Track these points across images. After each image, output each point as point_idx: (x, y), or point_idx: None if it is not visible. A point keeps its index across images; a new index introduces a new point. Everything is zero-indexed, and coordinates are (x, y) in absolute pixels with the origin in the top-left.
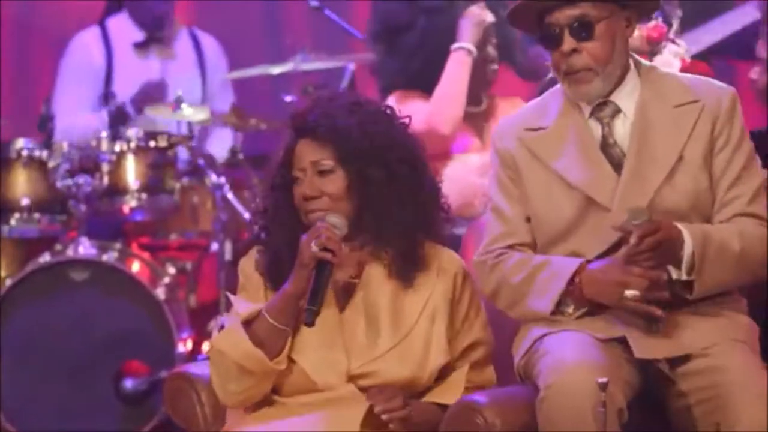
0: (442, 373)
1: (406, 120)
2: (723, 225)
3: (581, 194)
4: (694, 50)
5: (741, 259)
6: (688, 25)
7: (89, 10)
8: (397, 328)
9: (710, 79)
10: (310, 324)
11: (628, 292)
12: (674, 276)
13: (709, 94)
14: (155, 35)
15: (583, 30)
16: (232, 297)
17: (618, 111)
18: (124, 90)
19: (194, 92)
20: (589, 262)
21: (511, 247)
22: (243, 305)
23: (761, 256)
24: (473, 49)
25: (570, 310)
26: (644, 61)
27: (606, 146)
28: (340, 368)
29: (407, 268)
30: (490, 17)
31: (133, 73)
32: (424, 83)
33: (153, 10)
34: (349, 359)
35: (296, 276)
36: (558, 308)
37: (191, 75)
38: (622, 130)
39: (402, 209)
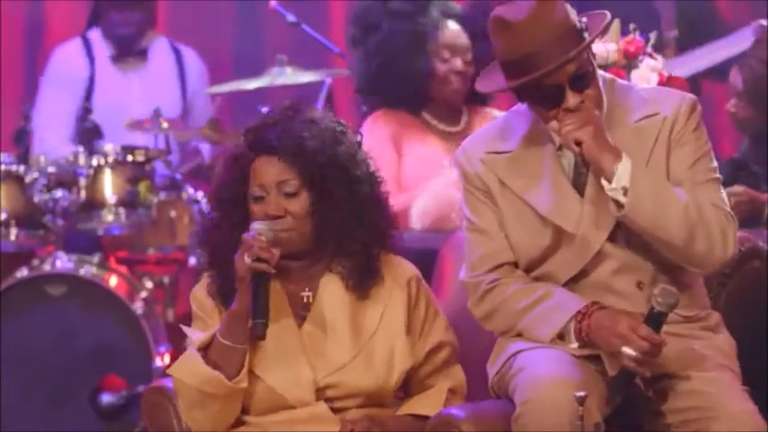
0: (410, 378)
1: (359, 136)
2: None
3: (553, 223)
4: (687, 73)
5: (686, 212)
6: (686, 46)
7: (65, 24)
8: (358, 337)
9: (667, 89)
10: (261, 337)
11: (626, 350)
12: (606, 186)
13: (667, 103)
14: (125, 51)
15: (583, 83)
16: (185, 329)
17: None
18: (103, 101)
19: (174, 105)
20: (595, 303)
21: (500, 266)
22: (196, 334)
23: (711, 226)
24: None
25: (574, 345)
26: (604, 74)
27: (578, 175)
28: (306, 382)
29: (364, 282)
30: (464, 40)
31: (113, 85)
32: (383, 89)
33: (116, 32)
34: (314, 372)
35: (238, 293)
36: (560, 340)
37: (171, 88)
38: None
39: (361, 226)
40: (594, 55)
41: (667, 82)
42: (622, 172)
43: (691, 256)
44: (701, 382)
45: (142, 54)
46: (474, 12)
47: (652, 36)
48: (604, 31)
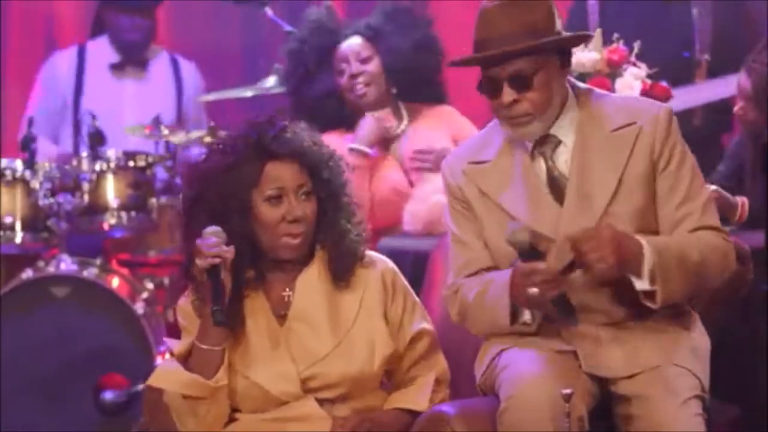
0: (395, 370)
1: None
2: (681, 235)
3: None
4: (717, 96)
5: (701, 268)
6: (718, 71)
7: (62, 33)
8: (337, 327)
9: (644, 98)
10: (221, 323)
11: (531, 291)
12: (637, 286)
13: (644, 114)
14: (130, 59)
15: (521, 83)
16: (168, 341)
17: (559, 143)
18: (94, 108)
19: (168, 115)
20: (514, 270)
21: (475, 273)
22: (175, 343)
23: (719, 265)
24: (369, 151)
25: (527, 318)
26: (580, 85)
27: (552, 179)
28: (290, 375)
29: (346, 269)
30: (354, 45)
31: (104, 93)
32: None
33: (126, 38)
34: (296, 365)
35: (205, 297)
36: (517, 319)
37: (166, 98)
38: (563, 159)
39: (348, 232)
40: (565, 64)
41: (650, 89)
42: (647, 268)
43: (706, 288)
44: (651, 389)
45: (143, 64)
46: (370, 21)
47: (636, 45)
48: (574, 42)
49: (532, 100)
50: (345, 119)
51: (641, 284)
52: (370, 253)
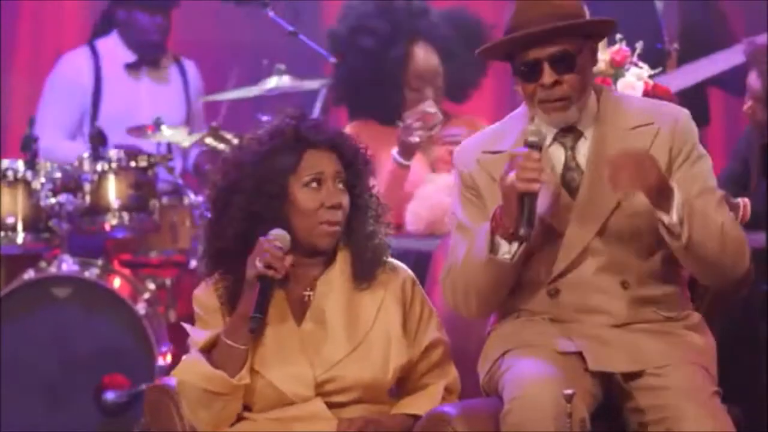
0: (407, 377)
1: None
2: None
3: (540, 220)
4: (688, 83)
5: (722, 233)
6: (687, 59)
7: (67, 34)
8: (354, 332)
9: (663, 102)
10: (254, 330)
11: (510, 174)
12: (666, 220)
13: (663, 116)
14: (147, 58)
15: (565, 63)
16: (188, 327)
17: (581, 135)
18: (112, 109)
19: (179, 117)
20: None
21: None
22: (200, 334)
23: (737, 247)
24: (406, 163)
25: (506, 249)
26: (595, 84)
27: (568, 170)
28: (305, 378)
29: (370, 271)
30: (433, 62)
31: (123, 93)
32: (354, 107)
33: (146, 39)
34: (313, 369)
35: (245, 295)
36: (495, 254)
37: (178, 100)
38: (584, 153)
39: (377, 230)
40: (594, 54)
41: (652, 90)
42: (676, 204)
43: (721, 272)
44: (673, 380)
45: (157, 64)
46: (444, 28)
47: (639, 46)
48: (604, 31)
49: (572, 83)
50: (390, 113)
51: (670, 218)
52: (392, 261)
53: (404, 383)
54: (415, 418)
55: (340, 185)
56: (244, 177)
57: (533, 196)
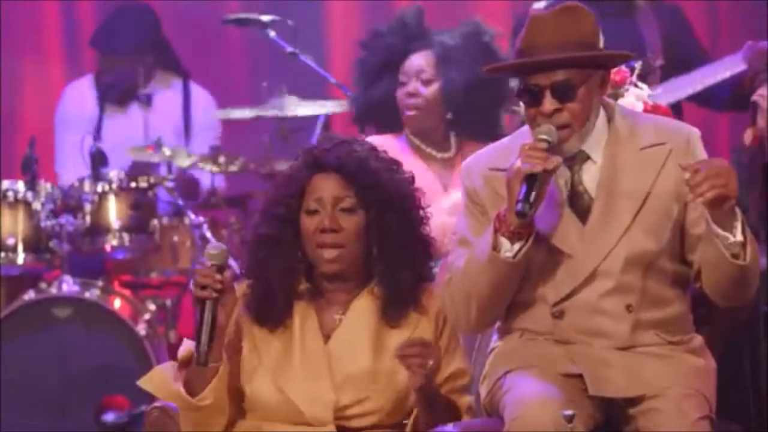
0: None
1: (411, 175)
2: None
3: (546, 241)
4: (672, 99)
5: (754, 263)
6: (670, 74)
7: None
8: (381, 358)
9: (673, 121)
10: (202, 364)
11: (517, 163)
12: (730, 239)
13: (674, 136)
14: (125, 98)
15: (566, 93)
16: (186, 342)
17: (587, 158)
18: (110, 137)
19: (177, 138)
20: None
21: None
22: (183, 347)
23: (756, 274)
24: None
25: (508, 247)
26: (609, 101)
27: (575, 193)
28: (327, 401)
29: (398, 311)
30: (420, 61)
31: (117, 121)
32: (368, 114)
33: (111, 83)
34: (336, 392)
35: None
36: (498, 253)
37: (174, 127)
38: (590, 175)
39: (410, 256)
40: (605, 82)
41: (652, 110)
42: (741, 223)
43: (744, 294)
44: (667, 404)
45: (147, 98)
46: (446, 35)
47: (637, 65)
48: (617, 61)
49: (573, 111)
50: (399, 124)
51: (734, 237)
52: (431, 289)
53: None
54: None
55: (344, 209)
56: (268, 199)
57: (537, 179)
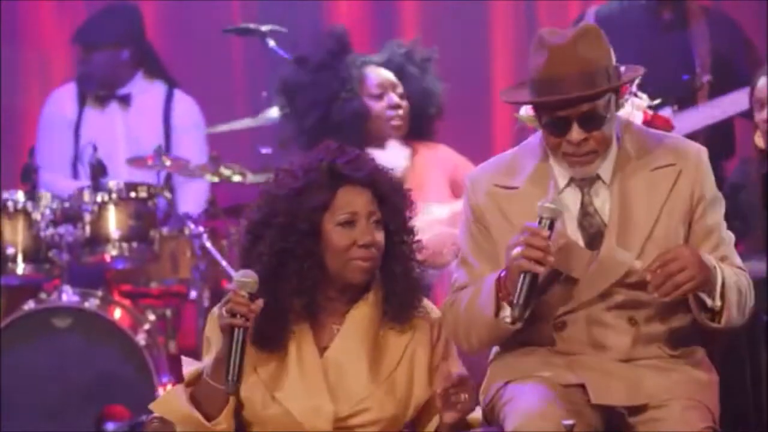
0: (425, 408)
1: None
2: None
3: (554, 266)
4: (718, 117)
5: (745, 299)
6: (718, 92)
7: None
8: (379, 369)
9: (681, 140)
10: (231, 393)
11: (516, 249)
12: (709, 303)
13: (684, 156)
14: (108, 91)
15: (593, 122)
16: (184, 359)
17: (598, 178)
18: (87, 136)
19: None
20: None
21: None
22: (190, 367)
23: (750, 297)
24: None
25: (507, 313)
26: (620, 117)
27: (585, 215)
28: (326, 412)
29: (405, 306)
30: (390, 75)
31: (96, 124)
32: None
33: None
34: (334, 403)
35: (223, 340)
36: (500, 317)
37: (153, 128)
38: (601, 197)
39: (412, 267)
40: (617, 102)
41: (651, 121)
42: (719, 286)
43: (733, 326)
44: (670, 415)
45: (125, 99)
46: (391, 54)
47: (703, 80)
48: (630, 83)
49: (599, 138)
50: (368, 141)
51: (713, 302)
52: (426, 301)
53: (421, 415)
54: None
55: (375, 223)
56: (276, 212)
57: (534, 276)
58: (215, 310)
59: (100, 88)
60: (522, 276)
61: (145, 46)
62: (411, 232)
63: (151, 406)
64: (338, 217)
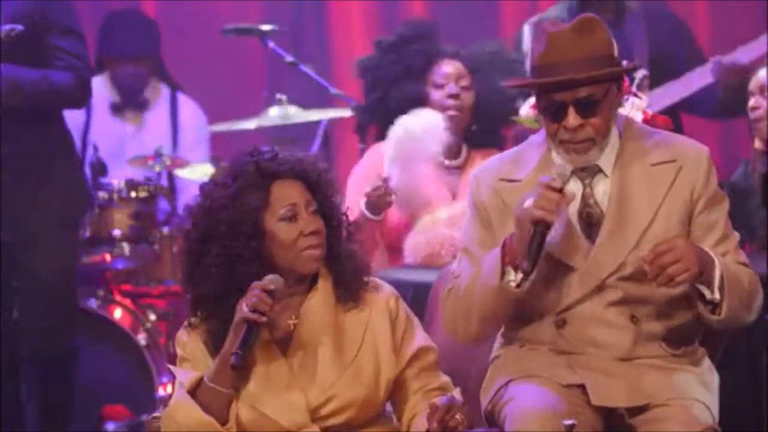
0: (397, 386)
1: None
2: (732, 263)
3: (553, 254)
4: (657, 108)
5: (749, 295)
6: (658, 82)
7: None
8: (343, 353)
9: (684, 138)
10: (236, 366)
11: (528, 202)
12: (707, 296)
13: (685, 154)
14: (128, 102)
15: (589, 108)
16: (173, 368)
17: (599, 171)
18: (99, 145)
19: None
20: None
21: None
22: (185, 375)
23: (758, 300)
24: (378, 219)
25: (512, 277)
26: (624, 114)
27: (585, 206)
28: (299, 406)
29: (353, 287)
30: (457, 67)
31: (108, 130)
32: (380, 119)
33: (121, 83)
34: (306, 395)
35: (230, 336)
36: (504, 281)
37: (162, 137)
38: (601, 189)
39: (355, 247)
40: (618, 96)
41: (651, 120)
42: (717, 278)
43: (738, 325)
44: (671, 415)
45: (143, 105)
46: (472, 48)
47: (638, 76)
48: (626, 73)
49: (595, 125)
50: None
51: (712, 294)
52: (375, 279)
53: (396, 394)
54: None
55: (313, 211)
56: (218, 223)
57: (545, 227)
58: (181, 334)
59: (123, 99)
60: (532, 228)
61: (159, 55)
62: (344, 213)
63: (164, 416)
64: (279, 213)
